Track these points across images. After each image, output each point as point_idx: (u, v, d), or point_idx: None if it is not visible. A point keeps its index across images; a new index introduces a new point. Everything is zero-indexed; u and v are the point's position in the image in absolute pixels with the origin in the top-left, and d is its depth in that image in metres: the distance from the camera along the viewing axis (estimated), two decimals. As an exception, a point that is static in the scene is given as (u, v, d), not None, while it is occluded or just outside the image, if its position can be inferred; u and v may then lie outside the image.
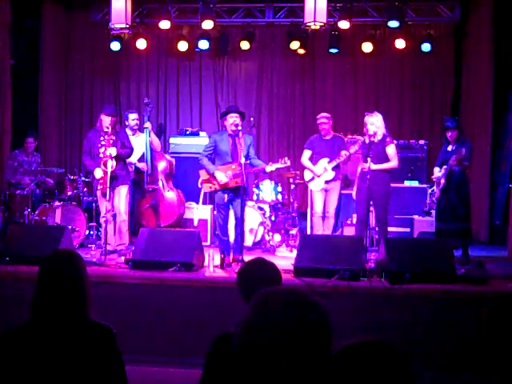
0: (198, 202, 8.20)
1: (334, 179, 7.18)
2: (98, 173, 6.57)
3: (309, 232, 7.64)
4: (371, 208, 6.57)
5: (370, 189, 6.20)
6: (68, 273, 2.34)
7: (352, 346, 1.33)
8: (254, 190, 8.17)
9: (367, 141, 6.54)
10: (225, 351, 2.42)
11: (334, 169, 7.14)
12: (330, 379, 1.31)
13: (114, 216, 6.80)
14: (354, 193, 6.78)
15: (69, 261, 2.39)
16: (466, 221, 6.60)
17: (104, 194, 6.56)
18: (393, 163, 6.55)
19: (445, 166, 6.63)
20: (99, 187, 6.58)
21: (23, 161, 8.15)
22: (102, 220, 6.73)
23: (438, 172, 6.77)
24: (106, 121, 6.66)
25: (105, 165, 6.47)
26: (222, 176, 6.26)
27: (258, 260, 2.94)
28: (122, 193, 6.81)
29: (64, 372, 2.20)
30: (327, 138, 7.33)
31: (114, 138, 6.56)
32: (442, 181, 6.60)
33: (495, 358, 1.86)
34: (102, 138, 6.54)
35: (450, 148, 6.69)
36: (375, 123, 6.49)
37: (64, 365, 2.21)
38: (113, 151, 6.48)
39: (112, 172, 6.48)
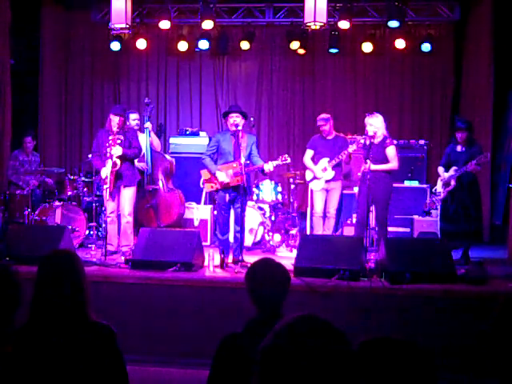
0: (198, 202, 8.19)
1: (334, 179, 7.10)
2: (103, 172, 6.58)
3: (309, 232, 7.63)
4: (371, 208, 6.55)
5: (370, 189, 6.20)
6: (66, 273, 2.34)
7: (373, 342, 1.32)
8: (254, 190, 8.15)
9: (367, 142, 6.52)
10: (232, 351, 2.43)
11: (334, 168, 7.06)
12: (353, 376, 1.29)
13: (119, 216, 6.80)
14: (357, 194, 6.78)
15: (66, 261, 2.39)
16: (478, 222, 6.57)
17: (109, 194, 6.58)
18: (392, 164, 6.51)
19: (454, 167, 6.48)
20: (105, 187, 6.59)
21: (24, 160, 8.15)
22: (108, 220, 6.72)
23: (443, 172, 6.65)
24: (115, 120, 6.67)
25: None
26: (223, 176, 6.28)
27: (266, 261, 2.84)
28: (127, 194, 6.73)
29: (65, 372, 2.20)
30: (329, 138, 7.32)
31: (121, 137, 6.59)
32: (452, 182, 6.47)
33: (502, 357, 1.84)
34: (110, 138, 6.56)
35: (459, 149, 6.57)
36: (374, 124, 6.47)
37: (65, 365, 2.21)
38: (118, 151, 6.49)
39: (116, 171, 6.49)
